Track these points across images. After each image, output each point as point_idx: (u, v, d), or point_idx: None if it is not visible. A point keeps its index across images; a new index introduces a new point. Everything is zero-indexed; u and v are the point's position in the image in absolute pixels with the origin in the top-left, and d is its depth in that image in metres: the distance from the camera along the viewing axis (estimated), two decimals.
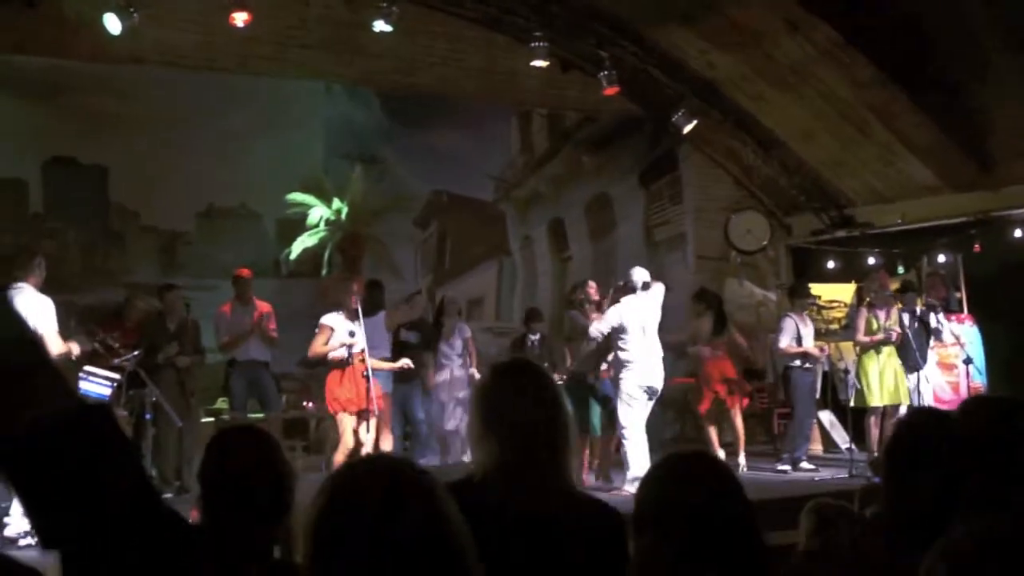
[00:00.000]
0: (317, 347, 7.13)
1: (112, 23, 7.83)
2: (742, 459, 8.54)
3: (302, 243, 10.60)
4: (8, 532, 5.85)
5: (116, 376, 7.07)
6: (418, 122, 11.11)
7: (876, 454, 8.17)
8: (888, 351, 8.63)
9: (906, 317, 8.71)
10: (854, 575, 2.56)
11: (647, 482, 1.90)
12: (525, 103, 11.29)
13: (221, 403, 9.04)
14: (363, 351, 7.02)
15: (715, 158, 11.56)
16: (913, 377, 8.63)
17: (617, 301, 7.66)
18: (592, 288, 8.33)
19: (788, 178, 10.98)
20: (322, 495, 1.39)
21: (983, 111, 9.04)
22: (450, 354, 9.01)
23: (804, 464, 8.69)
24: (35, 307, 5.95)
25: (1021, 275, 9.31)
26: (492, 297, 11.74)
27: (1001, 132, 9.11)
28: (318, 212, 10.59)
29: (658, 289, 7.74)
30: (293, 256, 10.58)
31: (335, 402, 7.07)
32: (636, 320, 7.49)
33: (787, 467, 8.63)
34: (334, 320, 7.11)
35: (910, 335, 8.55)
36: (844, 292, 10.67)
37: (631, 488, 6.83)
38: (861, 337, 8.74)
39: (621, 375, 7.49)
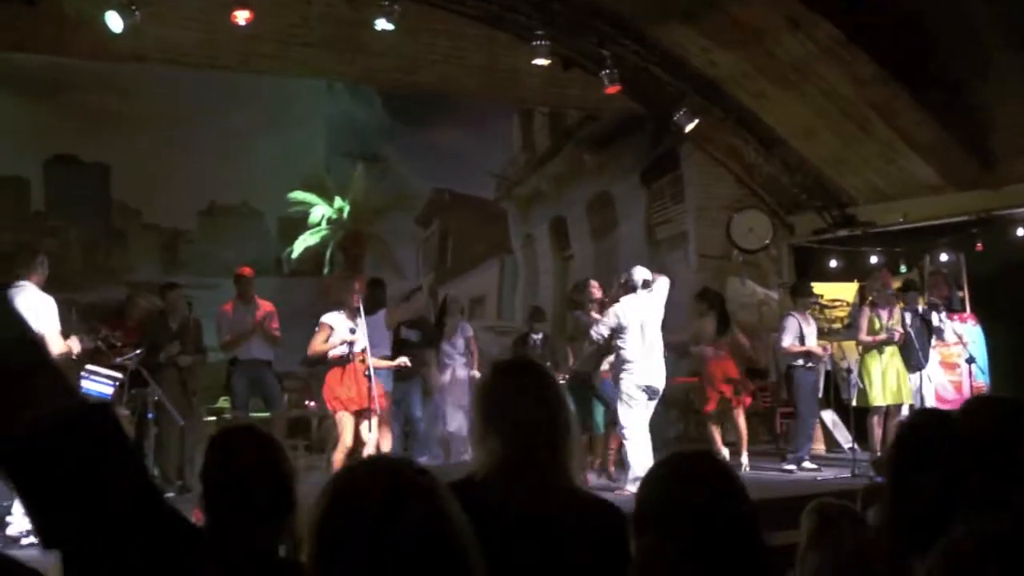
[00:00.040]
0: (316, 345, 7.13)
1: (114, 21, 7.82)
2: (745, 459, 8.52)
3: (304, 241, 10.60)
4: (10, 531, 5.84)
5: (118, 375, 7.06)
6: (420, 120, 11.09)
7: (879, 454, 8.16)
8: (891, 350, 8.60)
9: (908, 316, 8.68)
10: (856, 575, 2.56)
11: (649, 481, 1.90)
12: (527, 101, 11.28)
13: (223, 402, 9.04)
14: (364, 350, 7.02)
15: (717, 156, 11.54)
16: (916, 376, 8.60)
17: (617, 299, 7.65)
18: (594, 287, 8.33)
19: (790, 176, 10.98)
20: (324, 497, 1.39)
21: (985, 109, 9.02)
22: (452, 353, 9.03)
23: (807, 464, 8.68)
24: (37, 306, 5.94)
25: (1023, 274, 9.30)
26: (494, 296, 11.73)
27: (1003, 130, 9.10)
28: (320, 210, 10.60)
29: (662, 284, 7.63)
30: (295, 254, 10.59)
31: (335, 400, 7.07)
32: (635, 319, 7.45)
33: (792, 467, 8.61)
34: (334, 319, 7.11)
35: (912, 334, 8.53)
36: (846, 291, 10.65)
37: (632, 488, 6.80)
38: (863, 336, 8.71)
39: (620, 375, 7.46)
